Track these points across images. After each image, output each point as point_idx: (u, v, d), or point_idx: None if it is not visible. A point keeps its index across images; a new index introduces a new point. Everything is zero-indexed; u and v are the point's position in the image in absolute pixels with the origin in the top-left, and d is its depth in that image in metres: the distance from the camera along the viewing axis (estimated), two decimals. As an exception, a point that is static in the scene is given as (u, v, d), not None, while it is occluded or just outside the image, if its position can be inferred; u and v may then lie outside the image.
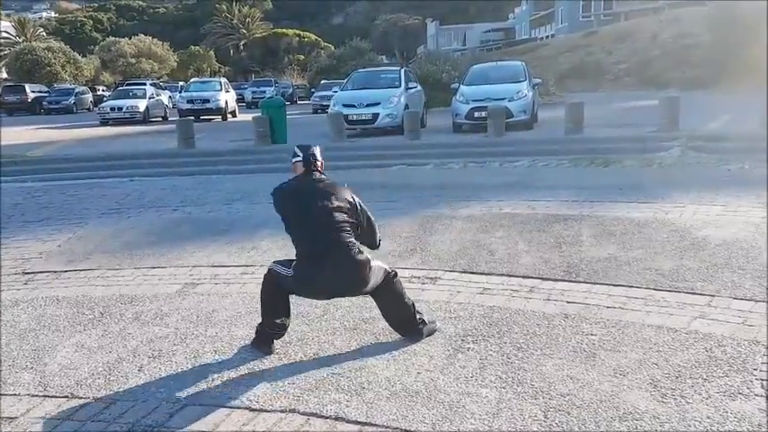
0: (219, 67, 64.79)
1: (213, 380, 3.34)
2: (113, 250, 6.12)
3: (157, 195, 9.23)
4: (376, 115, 14.20)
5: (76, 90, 37.83)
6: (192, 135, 13.35)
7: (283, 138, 13.57)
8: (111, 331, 4.08)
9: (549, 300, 4.24)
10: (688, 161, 9.91)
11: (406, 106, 14.31)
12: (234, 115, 25.14)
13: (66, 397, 3.22)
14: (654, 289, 4.31)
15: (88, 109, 36.65)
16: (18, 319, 4.38)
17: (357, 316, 4.13)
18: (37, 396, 3.25)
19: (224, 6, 69.73)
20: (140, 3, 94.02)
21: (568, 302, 4.17)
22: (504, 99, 13.38)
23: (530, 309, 4.09)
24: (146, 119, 23.70)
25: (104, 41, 61.35)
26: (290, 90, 40.66)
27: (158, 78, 48.99)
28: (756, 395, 2.90)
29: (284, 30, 69.03)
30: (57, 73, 47.74)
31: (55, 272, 5.46)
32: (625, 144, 11.12)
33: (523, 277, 4.69)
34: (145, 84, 30.45)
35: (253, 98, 35.96)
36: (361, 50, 41.14)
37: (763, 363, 3.21)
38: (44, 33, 63.54)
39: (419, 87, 16.47)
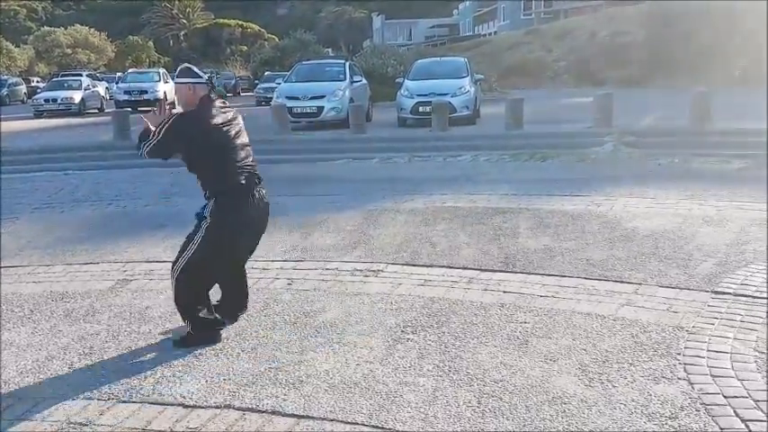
0: (159, 58, 63.02)
1: (146, 377, 3.27)
2: (45, 246, 5.90)
3: (92, 189, 8.96)
4: (320, 108, 14.10)
5: (9, 81, 36.25)
6: (128, 127, 12.93)
7: (225, 130, 13.34)
8: (41, 329, 3.94)
9: (486, 290, 4.34)
10: (620, 156, 10.27)
11: (351, 99, 14.27)
12: (173, 107, 24.53)
13: (-10, 398, 3.10)
14: (585, 278, 4.46)
15: (21, 101, 35.16)
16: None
17: (297, 310, 4.13)
18: (-41, 398, 3.11)
19: (163, -5, 67.86)
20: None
21: (504, 292, 4.28)
22: (447, 94, 13.53)
23: (468, 299, 4.18)
24: (81, 111, 22.85)
25: (39, 31, 58.86)
26: (233, 81, 39.98)
27: (95, 69, 47.32)
28: (679, 379, 3.05)
29: (226, 20, 67.65)
30: (-13, 63, 45.59)
31: (-20, 269, 5.22)
32: (562, 139, 11.45)
33: (463, 269, 4.78)
34: (81, 75, 29.33)
35: (194, 90, 35.15)
36: (306, 43, 40.70)
37: (685, 347, 3.37)
38: (-27, 22, 60.38)
39: (364, 81, 16.44)
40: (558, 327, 3.68)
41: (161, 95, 23.10)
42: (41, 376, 3.32)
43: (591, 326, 3.68)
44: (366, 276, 4.74)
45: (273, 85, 28.19)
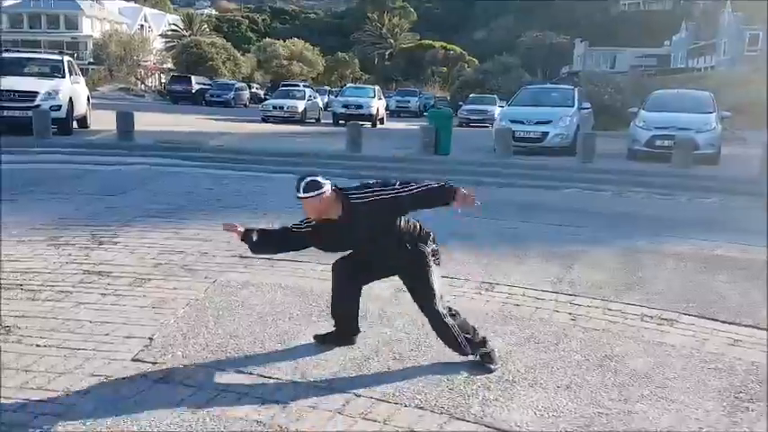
0: (361, 75, 66.47)
1: (468, 395, 3.22)
2: (316, 244, 6.25)
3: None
4: (545, 134, 13.74)
5: (236, 86, 40.24)
6: (359, 139, 13.60)
7: (447, 149, 13.41)
8: (345, 327, 4.10)
9: (821, 364, 3.76)
10: None
11: (578, 127, 13.78)
12: (381, 122, 25.60)
13: (328, 390, 3.24)
14: None
15: (245, 105, 38.84)
16: (251, 301, 4.55)
17: (597, 351, 3.90)
18: (299, 383, 3.30)
19: (375, 16, 71.58)
20: (294, 7, 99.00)
21: None
22: (691, 129, 12.50)
23: (803, 372, 3.64)
24: (302, 119, 24.72)
25: (261, 42, 64.93)
26: (432, 101, 40.94)
27: (303, 80, 51.23)
28: None
29: (431, 42, 69.56)
30: (218, 68, 51.12)
31: (268, 259, 5.64)
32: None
33: (776, 333, 4.22)
34: (298, 85, 31.86)
35: (396, 107, 36.60)
36: (508, 66, 40.59)
37: None
38: (207, 29, 68.16)
39: (591, 109, 15.80)
40: None
41: (374, 111, 24.29)
42: (363, 374, 3.43)
43: None
44: (660, 325, 4.38)
45: (478, 107, 28.48)
